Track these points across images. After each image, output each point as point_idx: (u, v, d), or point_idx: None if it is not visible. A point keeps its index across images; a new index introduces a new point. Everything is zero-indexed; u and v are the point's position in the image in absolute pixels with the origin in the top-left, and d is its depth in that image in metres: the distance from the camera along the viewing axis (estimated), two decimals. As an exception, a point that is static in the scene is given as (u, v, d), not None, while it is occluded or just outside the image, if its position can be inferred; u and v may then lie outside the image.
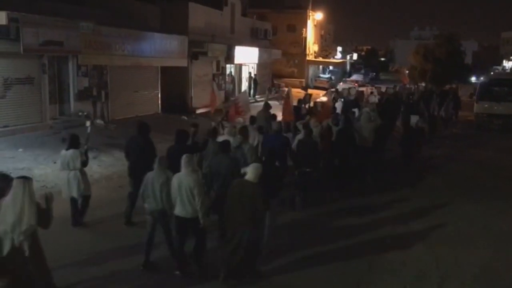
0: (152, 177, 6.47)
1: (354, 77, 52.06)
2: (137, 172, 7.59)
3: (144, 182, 6.58)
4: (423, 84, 38.93)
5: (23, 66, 13.54)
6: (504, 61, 73.08)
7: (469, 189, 11.63)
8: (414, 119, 15.13)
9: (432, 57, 40.62)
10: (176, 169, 6.46)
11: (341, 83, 42.87)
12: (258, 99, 26.92)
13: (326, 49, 54.46)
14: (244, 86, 29.23)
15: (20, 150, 12.01)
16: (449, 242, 8.12)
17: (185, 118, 19.22)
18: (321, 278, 6.65)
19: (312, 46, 47.01)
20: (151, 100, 19.44)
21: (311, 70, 46.99)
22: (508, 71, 57.68)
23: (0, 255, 5.00)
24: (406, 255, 7.52)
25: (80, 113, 9.70)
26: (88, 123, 9.12)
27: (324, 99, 18.46)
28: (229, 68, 26.53)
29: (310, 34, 45.49)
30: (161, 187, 6.38)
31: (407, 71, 41.25)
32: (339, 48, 69.51)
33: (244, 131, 8.79)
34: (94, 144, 12.58)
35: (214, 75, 24.17)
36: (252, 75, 30.06)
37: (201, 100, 22.33)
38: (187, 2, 21.09)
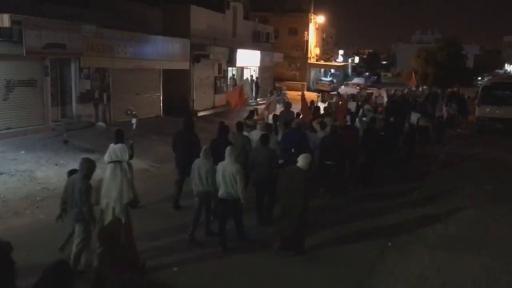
0: (199, 165, 7.58)
1: (356, 80, 52.11)
2: (183, 163, 8.68)
3: (192, 169, 7.65)
4: (425, 87, 39.00)
5: (26, 68, 13.59)
6: (506, 64, 73.14)
7: (472, 188, 11.75)
8: (414, 117, 15.27)
9: (434, 60, 40.67)
10: (218, 158, 7.52)
11: (342, 86, 42.93)
12: (260, 102, 26.93)
13: (327, 52, 54.53)
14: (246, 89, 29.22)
15: (22, 152, 12.04)
16: (450, 243, 8.12)
17: (187, 120, 19.24)
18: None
19: (313, 49, 47.07)
20: (153, 102, 19.47)
21: (312, 73, 47.06)
22: (510, 74, 57.67)
23: (101, 224, 6.05)
24: (408, 257, 7.51)
25: (128, 112, 10.03)
26: (134, 120, 9.64)
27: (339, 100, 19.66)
28: (231, 71, 26.56)
29: (312, 37, 45.56)
30: (206, 173, 7.44)
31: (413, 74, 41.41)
32: (341, 52, 69.56)
33: (268, 127, 10.13)
34: (96, 146, 12.66)
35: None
36: (254, 78, 30.09)
37: (203, 102, 22.39)
38: (189, 5, 21.14)
